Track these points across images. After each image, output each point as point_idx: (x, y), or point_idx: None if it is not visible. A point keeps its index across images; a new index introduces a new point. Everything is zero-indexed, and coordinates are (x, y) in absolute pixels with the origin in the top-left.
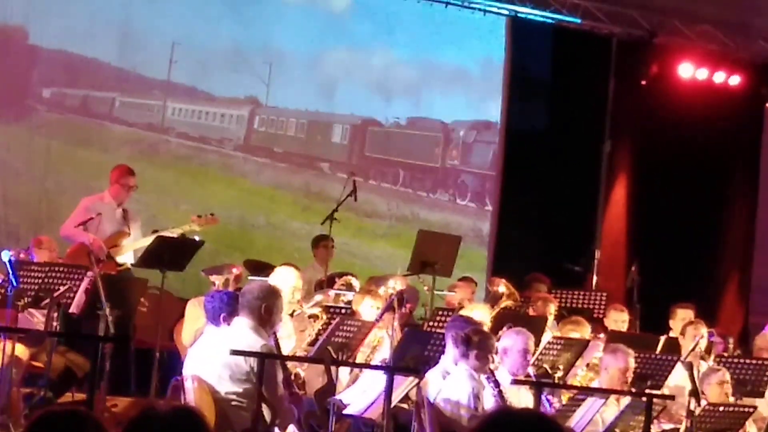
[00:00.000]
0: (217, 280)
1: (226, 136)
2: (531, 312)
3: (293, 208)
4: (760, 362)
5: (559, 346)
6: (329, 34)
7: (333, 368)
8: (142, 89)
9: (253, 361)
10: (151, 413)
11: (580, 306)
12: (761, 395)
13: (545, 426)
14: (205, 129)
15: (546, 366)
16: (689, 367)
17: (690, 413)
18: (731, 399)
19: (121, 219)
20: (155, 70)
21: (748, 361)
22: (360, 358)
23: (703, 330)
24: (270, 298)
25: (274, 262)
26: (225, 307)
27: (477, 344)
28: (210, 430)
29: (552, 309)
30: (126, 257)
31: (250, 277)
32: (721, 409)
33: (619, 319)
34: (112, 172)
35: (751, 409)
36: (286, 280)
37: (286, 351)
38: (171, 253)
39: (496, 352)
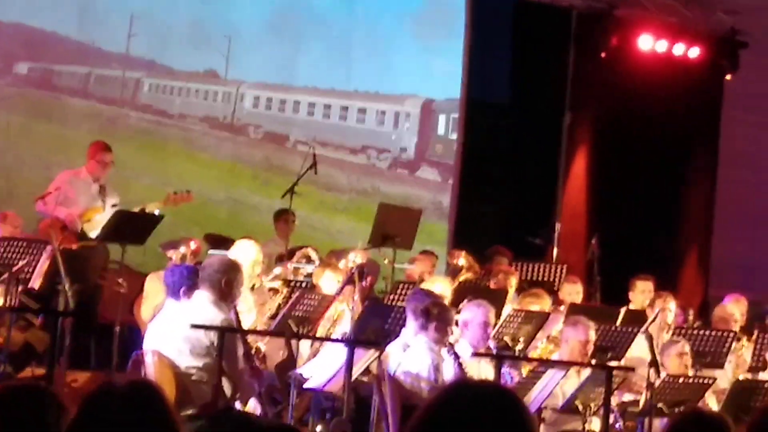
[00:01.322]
0: (174, 254)
1: (186, 111)
2: (492, 285)
3: (253, 182)
4: (719, 334)
5: (519, 319)
6: (288, 5)
7: (293, 342)
8: (101, 63)
9: (213, 335)
10: (108, 388)
11: (540, 278)
12: (721, 366)
13: (504, 398)
14: (164, 103)
15: (506, 339)
16: (650, 338)
17: (650, 385)
18: (691, 371)
19: (97, 194)
20: (114, 43)
21: (707, 332)
22: (321, 332)
23: (671, 303)
24: (230, 272)
25: (235, 236)
26: (185, 281)
27: (436, 317)
28: (168, 404)
29: (513, 282)
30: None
31: (210, 251)
32: (681, 380)
33: (573, 291)
34: (89, 148)
35: (711, 381)
36: (246, 253)
37: (246, 325)
38: (131, 228)
39: (457, 325)
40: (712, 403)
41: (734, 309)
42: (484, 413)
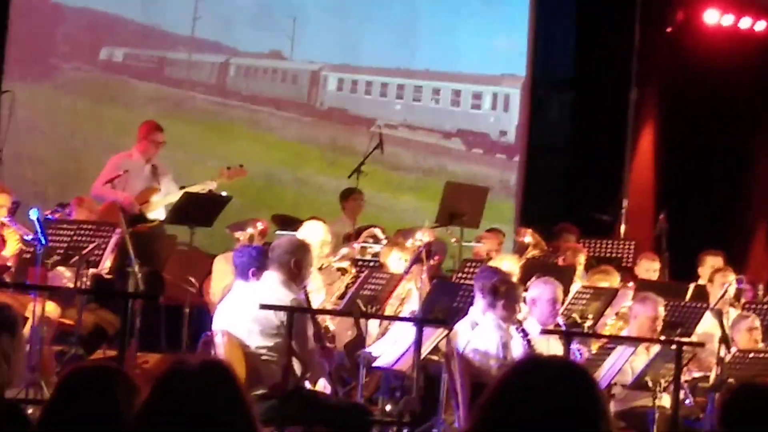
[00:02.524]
0: (242, 235)
1: (252, 92)
2: (560, 262)
3: (320, 163)
4: None
5: (588, 296)
6: None
7: (362, 321)
8: (166, 45)
9: (283, 316)
10: (180, 368)
11: (608, 255)
12: None
13: (574, 374)
14: (231, 85)
15: (575, 315)
16: (718, 314)
17: (720, 360)
18: (761, 345)
19: (150, 175)
20: (179, 25)
21: None
22: (389, 311)
23: (732, 277)
24: (299, 253)
25: (302, 217)
26: (254, 262)
27: (504, 294)
28: (239, 383)
29: (581, 259)
30: (157, 213)
31: (278, 232)
32: (751, 355)
33: (650, 268)
34: (140, 128)
35: None
36: (314, 234)
37: (315, 305)
38: (199, 210)
39: (524, 302)
40: None
41: None
42: (554, 389)
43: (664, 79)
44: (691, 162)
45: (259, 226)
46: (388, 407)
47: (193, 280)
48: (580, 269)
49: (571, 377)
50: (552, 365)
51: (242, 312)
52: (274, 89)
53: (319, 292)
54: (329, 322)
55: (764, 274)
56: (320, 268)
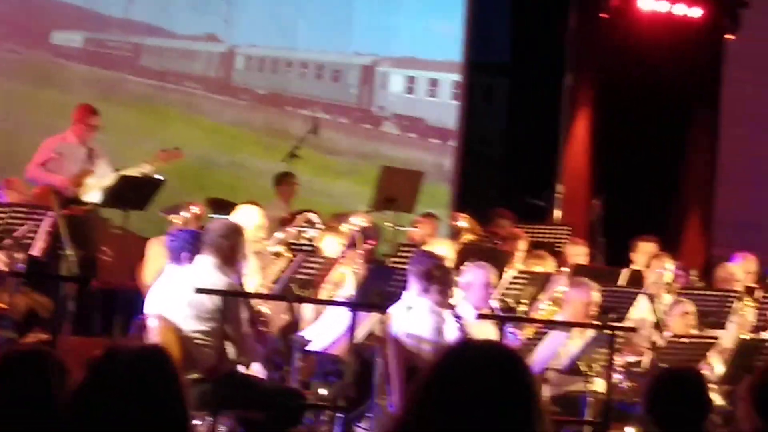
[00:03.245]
0: (176, 219)
1: (187, 75)
2: (501, 248)
3: (255, 146)
4: (722, 294)
5: (522, 280)
6: None
7: (296, 305)
8: (101, 28)
9: (217, 300)
10: (114, 352)
11: (542, 240)
12: (723, 326)
13: (506, 358)
14: (166, 68)
15: (510, 300)
16: (652, 299)
17: (653, 345)
18: (694, 330)
19: (86, 158)
20: (114, 8)
21: (710, 292)
22: (323, 295)
23: (668, 263)
24: (234, 236)
25: (237, 201)
26: (188, 246)
27: (439, 279)
28: (175, 368)
29: (522, 245)
30: (92, 196)
31: (212, 216)
32: (684, 341)
33: (577, 253)
34: (74, 111)
35: (713, 341)
36: (249, 218)
37: (249, 289)
38: (133, 193)
39: (458, 287)
40: (715, 362)
41: (737, 268)
42: (486, 373)
43: (599, 65)
44: (625, 148)
45: (194, 209)
46: (322, 391)
47: (105, 249)
48: (519, 255)
49: (503, 361)
50: (484, 349)
51: (176, 296)
52: (210, 73)
53: (253, 276)
54: (263, 307)
55: (697, 260)
56: (254, 253)
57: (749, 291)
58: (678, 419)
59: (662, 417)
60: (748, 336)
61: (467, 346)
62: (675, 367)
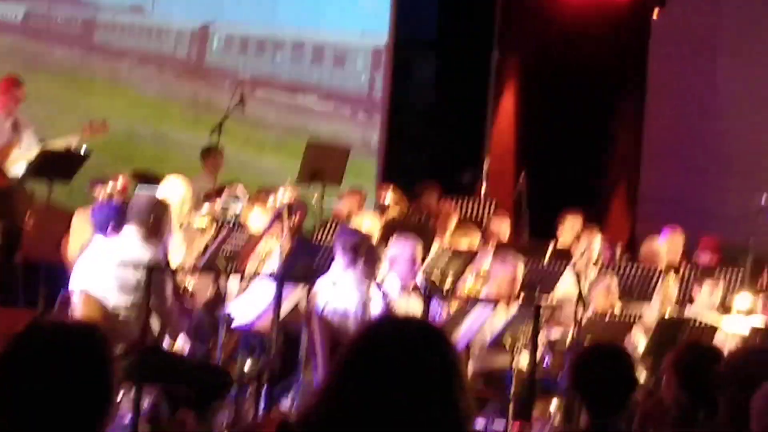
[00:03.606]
0: (102, 191)
1: (113, 46)
2: (427, 223)
3: (181, 119)
4: (646, 269)
5: (448, 255)
6: None
7: (222, 280)
8: None
9: (141, 273)
10: (38, 326)
11: (469, 215)
12: (648, 302)
13: (428, 332)
14: (91, 39)
15: (435, 275)
16: (577, 274)
17: (577, 321)
18: (618, 305)
19: (11, 130)
20: None
21: (635, 268)
22: (250, 269)
23: (597, 238)
24: (159, 210)
25: (163, 174)
26: (113, 219)
27: (364, 254)
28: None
29: (452, 223)
30: (18, 168)
31: (138, 188)
32: (608, 315)
33: (501, 227)
34: None
35: (637, 317)
36: (175, 191)
37: (175, 263)
38: (58, 165)
39: (384, 261)
40: (638, 338)
41: (661, 244)
42: (407, 347)
43: (526, 41)
44: (552, 123)
45: (120, 182)
46: (247, 366)
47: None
48: (449, 233)
49: (424, 336)
50: (405, 324)
51: (101, 269)
52: (136, 44)
53: (179, 249)
54: (188, 280)
55: (622, 235)
56: (180, 226)
57: (673, 266)
58: (603, 394)
59: (588, 392)
60: (671, 311)
61: (388, 320)
62: (601, 342)
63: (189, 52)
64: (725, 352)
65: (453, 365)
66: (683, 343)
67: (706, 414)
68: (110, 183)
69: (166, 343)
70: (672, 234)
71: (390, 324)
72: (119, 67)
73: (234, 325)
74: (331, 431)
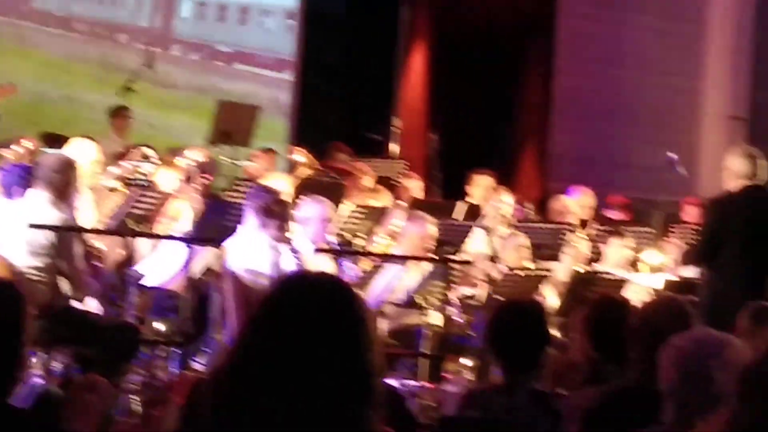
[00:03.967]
0: (8, 153)
1: (19, 7)
2: (343, 184)
3: (89, 80)
4: (556, 226)
5: (359, 214)
6: None
7: (132, 240)
8: None
9: (50, 235)
10: None
11: (380, 174)
12: (558, 259)
13: (336, 288)
14: None
15: (347, 234)
16: (488, 232)
17: (488, 278)
18: (529, 263)
19: None
20: None
21: (545, 225)
22: (159, 230)
23: (506, 196)
24: (67, 171)
25: (71, 135)
26: (20, 181)
27: (276, 214)
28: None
29: (368, 181)
30: None
31: (45, 150)
32: (519, 273)
33: (413, 187)
34: None
35: (548, 273)
36: (83, 152)
37: (83, 224)
38: None
39: (296, 221)
40: (549, 294)
41: (571, 201)
42: (316, 304)
43: None
44: (462, 81)
45: (26, 144)
46: (158, 326)
47: None
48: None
49: (333, 292)
50: (316, 280)
51: (8, 231)
52: (43, 5)
53: (88, 211)
54: (98, 242)
55: (533, 194)
56: (89, 187)
57: (583, 224)
58: (517, 350)
59: (502, 348)
60: (581, 268)
61: (298, 277)
62: (516, 298)
63: (99, 11)
64: (636, 307)
65: (361, 321)
66: (592, 300)
67: (615, 369)
68: (17, 145)
69: (76, 304)
70: (581, 193)
71: (299, 280)
72: (26, 28)
73: (145, 285)
74: (240, 387)
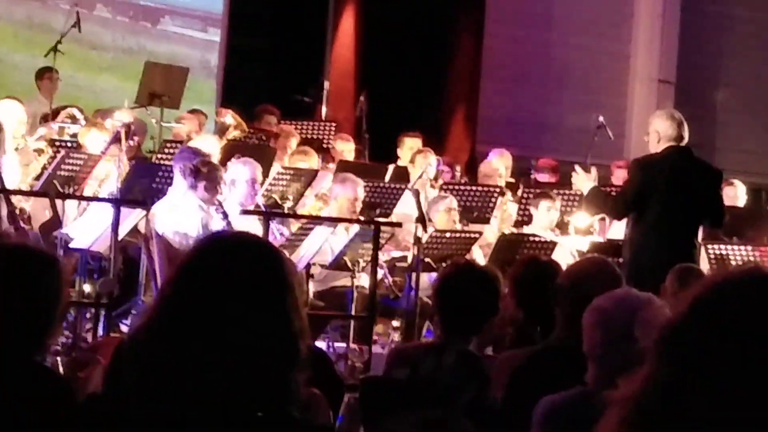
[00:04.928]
0: None
1: None
2: (272, 145)
3: (15, 41)
4: (485, 189)
5: (288, 176)
6: None
7: (59, 202)
8: None
9: None
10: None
11: (309, 137)
12: (487, 221)
13: (260, 248)
14: None
15: (275, 196)
16: (416, 194)
17: (417, 240)
18: (458, 225)
19: None
20: None
21: (474, 188)
22: (87, 192)
23: (432, 158)
24: None
25: None
26: None
27: (205, 175)
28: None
29: (293, 143)
30: None
31: None
32: (448, 235)
33: (345, 149)
34: None
35: (477, 235)
36: (9, 113)
37: (10, 185)
38: None
39: (224, 183)
40: (478, 256)
41: (499, 164)
42: (239, 263)
43: None
44: (391, 44)
45: None
46: (86, 288)
47: None
48: (290, 152)
49: (258, 252)
50: (238, 240)
51: None
52: None
53: (15, 171)
54: (24, 203)
55: (462, 156)
56: (15, 148)
57: (511, 186)
58: (463, 314)
59: (448, 308)
60: (509, 230)
61: (220, 236)
62: (474, 263)
63: None
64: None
65: (286, 282)
66: (521, 259)
67: (542, 330)
68: None
69: None
70: (500, 155)
71: (222, 240)
72: None
73: (72, 247)
74: (161, 349)
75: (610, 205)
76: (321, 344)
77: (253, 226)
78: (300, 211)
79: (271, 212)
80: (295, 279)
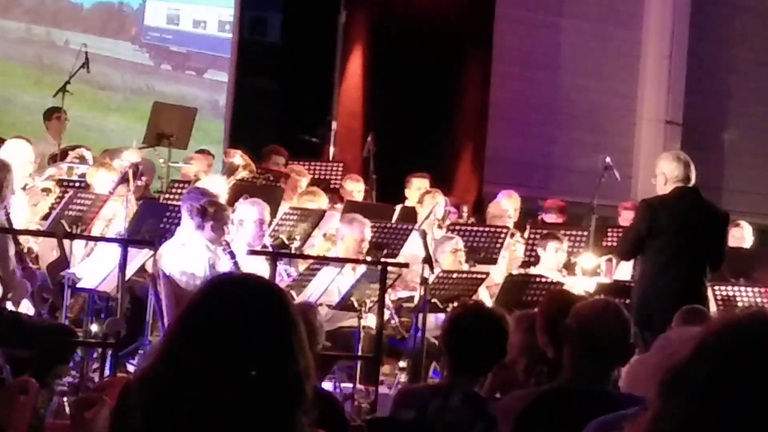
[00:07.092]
0: None
1: None
2: (279, 186)
3: (25, 81)
4: (492, 230)
5: (295, 217)
6: None
7: (67, 242)
8: None
9: None
10: None
11: (317, 177)
12: (494, 262)
13: (266, 289)
14: None
15: (283, 236)
16: (423, 235)
17: (424, 280)
18: (465, 266)
19: None
20: None
21: (481, 228)
22: (95, 231)
23: (441, 198)
24: (0, 172)
25: (5, 136)
26: None
27: (212, 215)
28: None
29: (303, 183)
30: None
31: None
32: (455, 276)
33: (355, 189)
34: None
35: (484, 276)
36: (17, 153)
37: (18, 225)
38: None
39: (232, 223)
40: (485, 297)
41: (507, 205)
42: (245, 305)
43: (373, 2)
44: (399, 85)
45: None
46: (93, 328)
47: None
48: (296, 196)
49: (263, 293)
50: (244, 281)
51: None
52: None
53: (23, 212)
54: (32, 243)
55: (469, 197)
56: (24, 188)
57: (519, 227)
58: (472, 356)
59: (457, 349)
60: (517, 271)
61: (226, 278)
62: (484, 306)
63: (32, 14)
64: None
65: (292, 324)
66: (549, 293)
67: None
68: None
69: (9, 305)
70: (508, 197)
71: (228, 281)
72: None
73: (79, 287)
74: (167, 390)
75: (618, 246)
76: (328, 384)
77: (260, 266)
78: (307, 251)
79: (278, 252)
80: (299, 320)
